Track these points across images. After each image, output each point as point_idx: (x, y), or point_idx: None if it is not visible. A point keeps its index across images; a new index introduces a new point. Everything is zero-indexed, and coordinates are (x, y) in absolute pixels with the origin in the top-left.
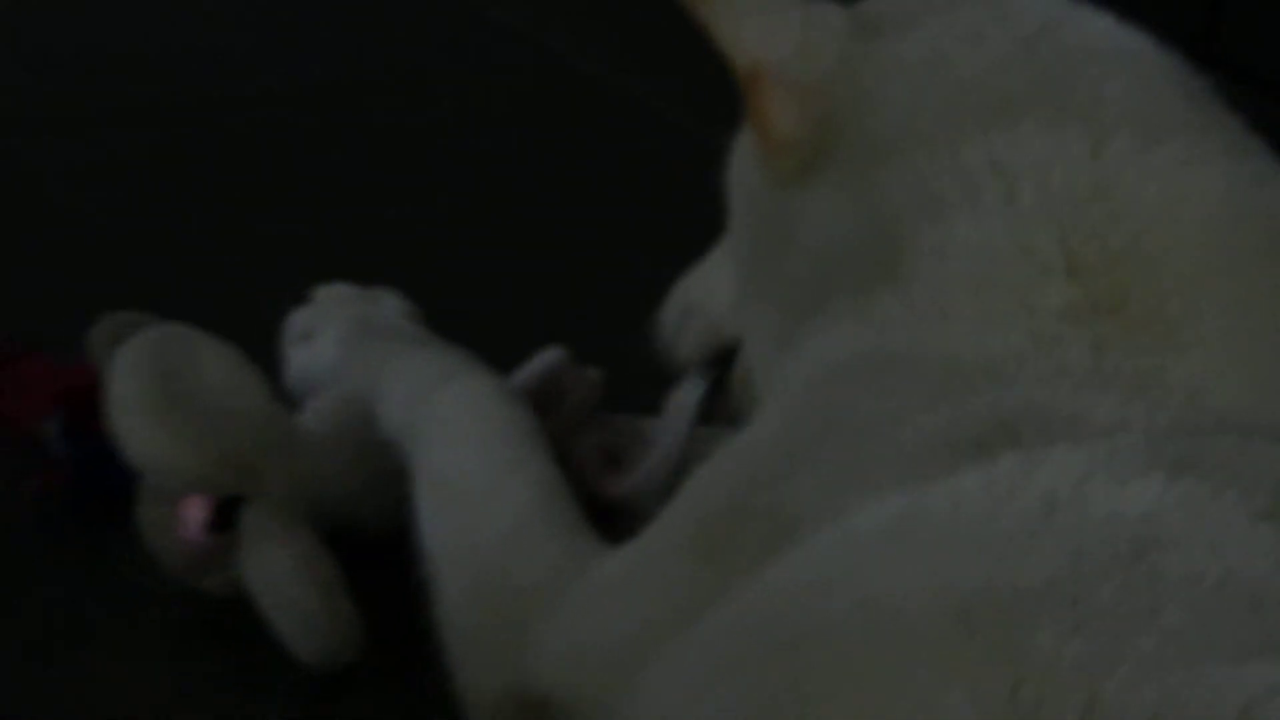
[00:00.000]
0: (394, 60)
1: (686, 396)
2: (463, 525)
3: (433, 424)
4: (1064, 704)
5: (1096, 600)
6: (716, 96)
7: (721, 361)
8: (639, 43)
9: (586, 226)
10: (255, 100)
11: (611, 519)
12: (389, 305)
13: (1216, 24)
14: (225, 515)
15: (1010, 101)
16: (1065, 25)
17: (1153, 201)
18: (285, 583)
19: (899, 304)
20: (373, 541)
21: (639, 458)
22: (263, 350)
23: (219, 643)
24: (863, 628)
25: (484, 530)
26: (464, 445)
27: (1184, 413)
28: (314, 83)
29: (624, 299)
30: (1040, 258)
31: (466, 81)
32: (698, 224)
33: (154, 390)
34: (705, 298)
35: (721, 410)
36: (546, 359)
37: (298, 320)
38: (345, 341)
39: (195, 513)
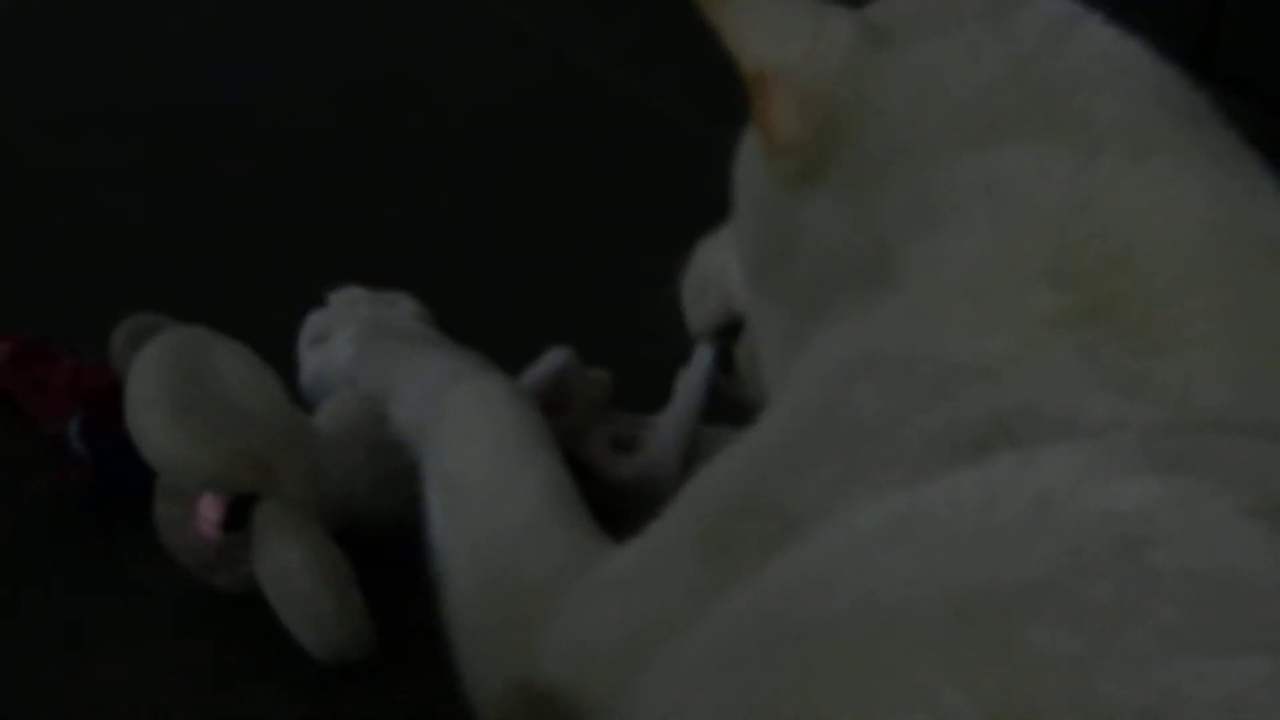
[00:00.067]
0: (394, 60)
1: (694, 372)
2: (472, 524)
3: (444, 424)
4: (1059, 699)
5: (1092, 596)
6: (718, 95)
7: (728, 333)
8: (639, 41)
9: (587, 225)
10: (256, 101)
11: (621, 505)
12: (402, 308)
13: (1216, 38)
14: (240, 513)
15: (1002, 120)
16: (1064, 43)
17: (1140, 213)
18: (298, 580)
19: (897, 308)
20: (383, 540)
21: (649, 441)
22: (265, 351)
23: (220, 643)
24: (863, 624)
25: (493, 529)
26: (474, 445)
27: (1176, 413)
28: (315, 83)
29: (625, 298)
30: (1029, 268)
31: (466, 81)
32: (699, 222)
33: (172, 391)
34: (718, 272)
35: (728, 387)
36: (554, 360)
37: (313, 323)
38: (358, 343)
39: (210, 511)
